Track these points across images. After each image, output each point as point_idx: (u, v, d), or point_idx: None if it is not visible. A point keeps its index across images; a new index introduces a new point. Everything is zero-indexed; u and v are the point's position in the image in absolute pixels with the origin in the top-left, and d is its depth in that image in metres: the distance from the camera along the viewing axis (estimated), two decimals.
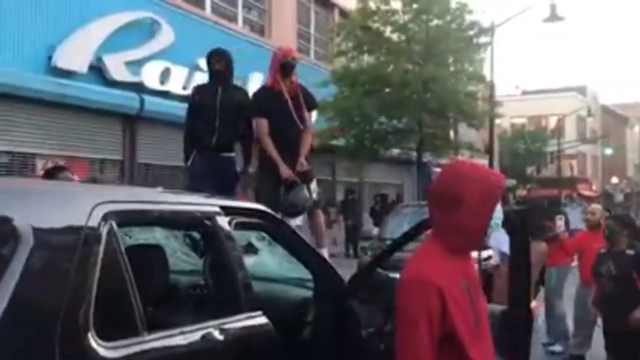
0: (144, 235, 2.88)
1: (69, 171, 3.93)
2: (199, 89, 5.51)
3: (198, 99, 5.22)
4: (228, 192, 4.81)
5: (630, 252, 4.72)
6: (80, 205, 1.96)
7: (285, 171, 5.06)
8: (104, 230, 1.95)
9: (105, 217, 1.97)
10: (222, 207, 2.63)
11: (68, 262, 1.82)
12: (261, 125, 5.17)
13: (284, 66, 5.22)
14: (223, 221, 2.56)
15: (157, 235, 2.88)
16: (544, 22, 18.82)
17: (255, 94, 5.48)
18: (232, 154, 5.20)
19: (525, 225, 2.96)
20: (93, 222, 1.92)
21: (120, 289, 1.96)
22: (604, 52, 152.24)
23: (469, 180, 1.77)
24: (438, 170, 25.74)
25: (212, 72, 5.23)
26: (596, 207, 7.30)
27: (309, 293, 3.40)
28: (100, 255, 1.91)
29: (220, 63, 5.15)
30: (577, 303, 6.45)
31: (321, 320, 3.25)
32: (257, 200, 5.24)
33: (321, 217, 5.36)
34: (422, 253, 1.81)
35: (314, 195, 5.19)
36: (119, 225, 2.05)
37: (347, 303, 3.31)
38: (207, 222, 2.49)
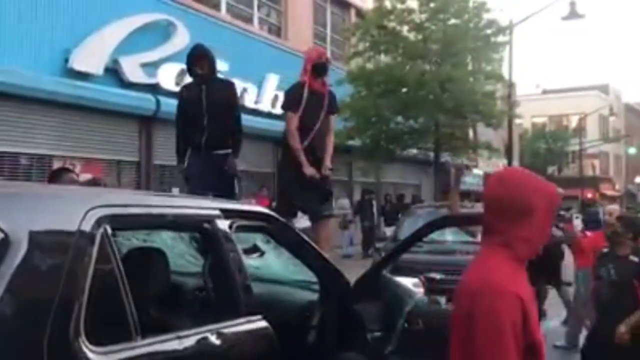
0: (146, 237, 2.87)
1: (74, 172, 3.96)
2: (185, 88, 5.47)
3: (186, 99, 5.18)
4: (226, 190, 4.79)
5: (634, 258, 4.43)
6: (73, 210, 1.95)
7: (308, 169, 5.10)
8: (97, 235, 1.94)
9: (99, 222, 1.96)
10: (223, 210, 2.61)
11: (59, 267, 1.81)
12: (292, 120, 5.22)
13: (316, 67, 5.29)
14: (223, 224, 2.54)
15: (158, 238, 2.87)
16: (563, 20, 18.59)
17: (290, 89, 5.56)
18: (228, 150, 5.11)
19: None
20: (86, 226, 1.91)
21: (113, 293, 1.95)
22: (627, 50, 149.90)
23: (537, 191, 1.76)
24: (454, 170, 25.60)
25: (195, 76, 5.15)
26: (614, 207, 7.14)
27: (314, 296, 3.37)
28: (93, 259, 1.89)
29: (201, 67, 5.08)
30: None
31: (326, 323, 3.22)
32: (280, 196, 5.22)
33: (331, 227, 5.33)
34: (491, 261, 1.75)
35: (334, 205, 5.22)
36: (114, 229, 2.03)
37: (353, 306, 3.28)
38: (206, 226, 2.47)
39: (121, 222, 2.10)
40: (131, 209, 2.18)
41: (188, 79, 5.38)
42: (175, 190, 7.97)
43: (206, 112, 4.98)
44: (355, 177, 19.53)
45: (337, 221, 16.07)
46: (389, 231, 15.33)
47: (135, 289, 2.02)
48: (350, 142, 16.22)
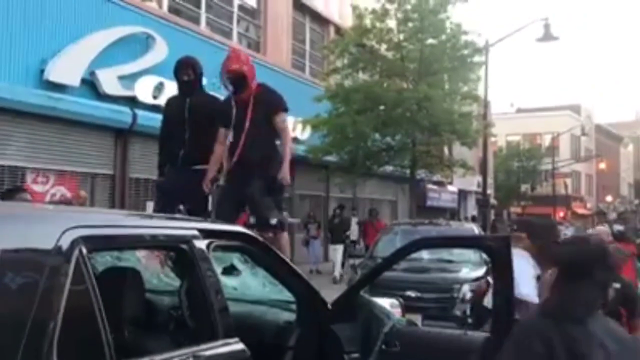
0: (122, 257, 2.83)
1: (27, 192, 3.88)
2: (169, 101, 5.40)
3: (169, 111, 5.13)
4: (199, 205, 4.71)
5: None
6: (48, 230, 1.91)
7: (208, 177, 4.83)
8: (72, 256, 1.90)
9: (75, 243, 1.92)
10: (200, 230, 2.58)
11: (33, 288, 1.77)
12: (219, 134, 4.97)
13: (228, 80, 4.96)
14: (201, 244, 2.51)
15: (133, 258, 2.82)
16: (538, 42, 18.96)
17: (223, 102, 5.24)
18: (206, 166, 4.92)
19: (509, 250, 2.93)
20: (62, 247, 1.87)
21: (88, 317, 1.91)
22: (598, 71, 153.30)
23: None
24: (433, 187, 25.80)
25: (180, 83, 5.10)
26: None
27: (292, 316, 3.34)
28: (69, 281, 1.85)
29: (187, 73, 5.04)
30: None
31: (303, 343, 3.19)
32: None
33: (284, 239, 5.00)
34: None
35: (274, 221, 4.82)
36: (90, 250, 2.00)
37: (330, 326, 3.27)
38: (183, 246, 2.43)
39: (98, 243, 2.07)
40: (108, 229, 2.15)
41: (165, 93, 5.31)
42: (150, 205, 7.91)
43: (188, 126, 4.90)
44: (332, 193, 19.55)
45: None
46: (333, 250, 15.24)
47: (110, 311, 1.98)
48: (328, 158, 16.25)
